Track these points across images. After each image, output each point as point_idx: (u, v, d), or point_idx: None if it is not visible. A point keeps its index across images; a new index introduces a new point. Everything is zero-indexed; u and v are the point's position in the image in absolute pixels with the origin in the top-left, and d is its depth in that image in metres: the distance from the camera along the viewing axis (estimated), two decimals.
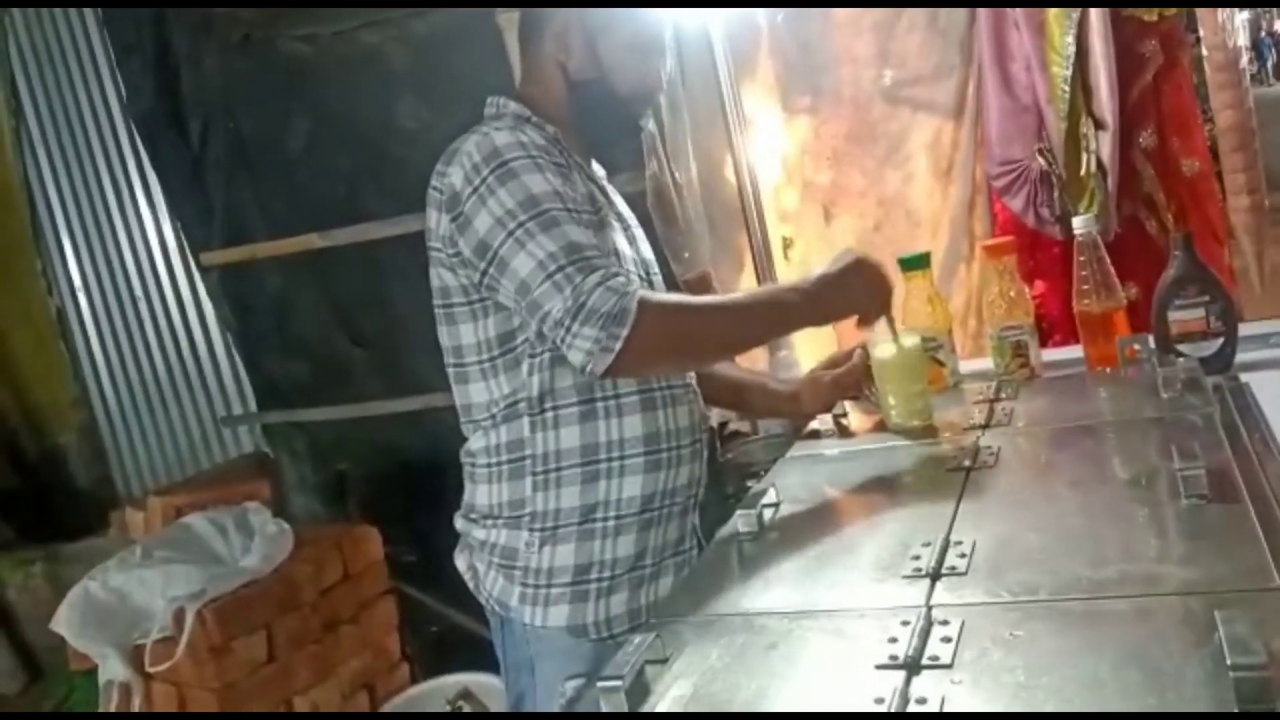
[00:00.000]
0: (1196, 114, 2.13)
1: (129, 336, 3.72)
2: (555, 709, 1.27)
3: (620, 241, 1.38)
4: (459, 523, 1.43)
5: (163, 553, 2.53)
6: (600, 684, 0.89)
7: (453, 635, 2.80)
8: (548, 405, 1.31)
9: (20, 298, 3.74)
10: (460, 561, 1.44)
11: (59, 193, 3.70)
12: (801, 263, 2.50)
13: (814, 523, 1.25)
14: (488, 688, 2.34)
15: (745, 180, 2.19)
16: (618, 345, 1.17)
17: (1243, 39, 1.91)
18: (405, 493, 2.94)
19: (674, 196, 2.39)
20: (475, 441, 1.38)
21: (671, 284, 2.33)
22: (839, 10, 2.38)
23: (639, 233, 1.51)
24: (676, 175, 2.40)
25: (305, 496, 3.31)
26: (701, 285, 2.39)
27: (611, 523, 1.33)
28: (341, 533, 2.86)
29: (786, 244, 2.48)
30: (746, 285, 2.41)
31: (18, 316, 3.75)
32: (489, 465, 1.35)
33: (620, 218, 1.46)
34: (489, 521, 1.36)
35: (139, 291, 3.66)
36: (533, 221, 1.21)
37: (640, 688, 0.91)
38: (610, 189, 1.50)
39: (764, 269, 2.21)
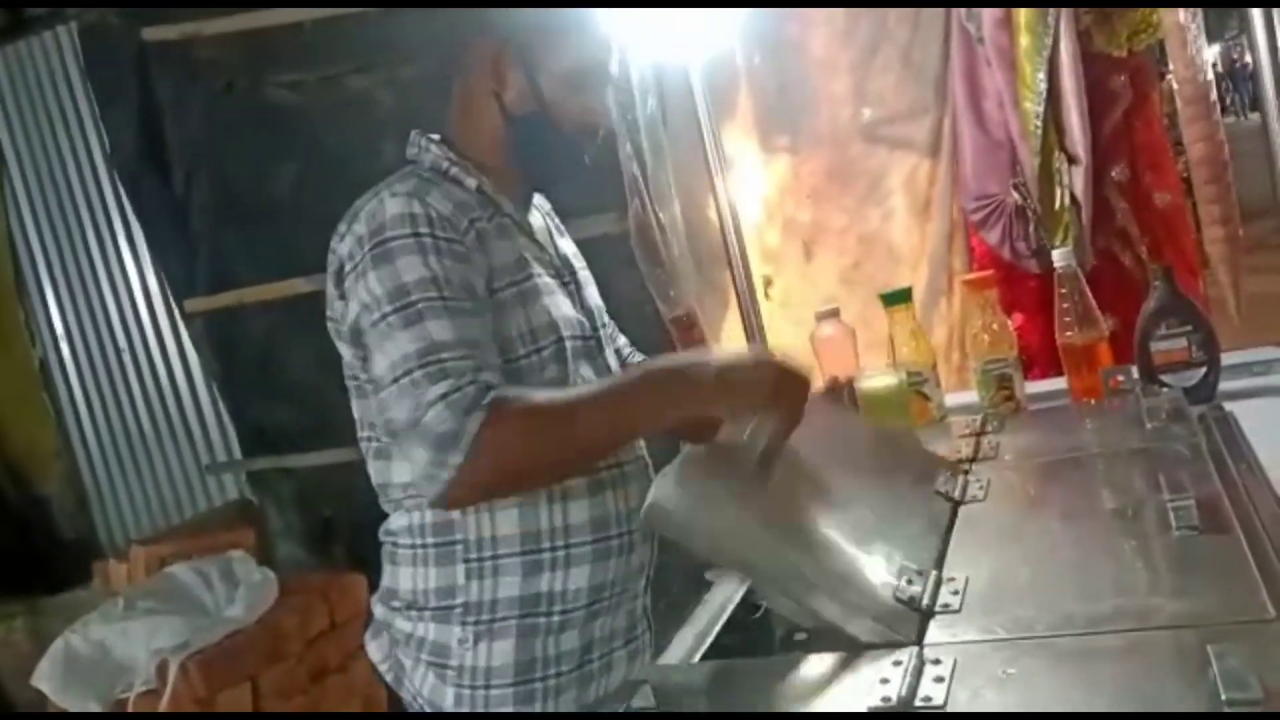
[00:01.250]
0: (1168, 147, 2.16)
1: (112, 386, 3.69)
2: None
3: (554, 303, 1.22)
4: (378, 609, 1.27)
5: (146, 604, 2.50)
6: None
7: None
8: None
9: (3, 348, 3.71)
10: (375, 651, 1.28)
11: (41, 242, 3.68)
12: (783, 301, 2.51)
13: None
14: None
15: (727, 219, 2.20)
16: (446, 475, 1.01)
17: (1212, 73, 1.94)
18: None
19: (658, 236, 2.40)
20: (396, 520, 1.22)
21: (657, 325, 2.34)
22: (816, 50, 2.42)
23: (586, 276, 1.38)
24: (660, 215, 2.42)
25: (291, 544, 3.28)
26: (687, 323, 2.40)
27: (556, 617, 1.18)
28: (328, 580, 2.83)
29: (767, 283, 2.49)
30: (732, 324, 2.42)
31: (0, 367, 3.72)
32: (412, 547, 1.20)
33: (561, 270, 1.30)
34: (413, 613, 1.20)
35: (122, 341, 3.64)
36: (395, 315, 1.07)
37: None
38: (556, 230, 1.39)
39: (748, 308, 2.22)
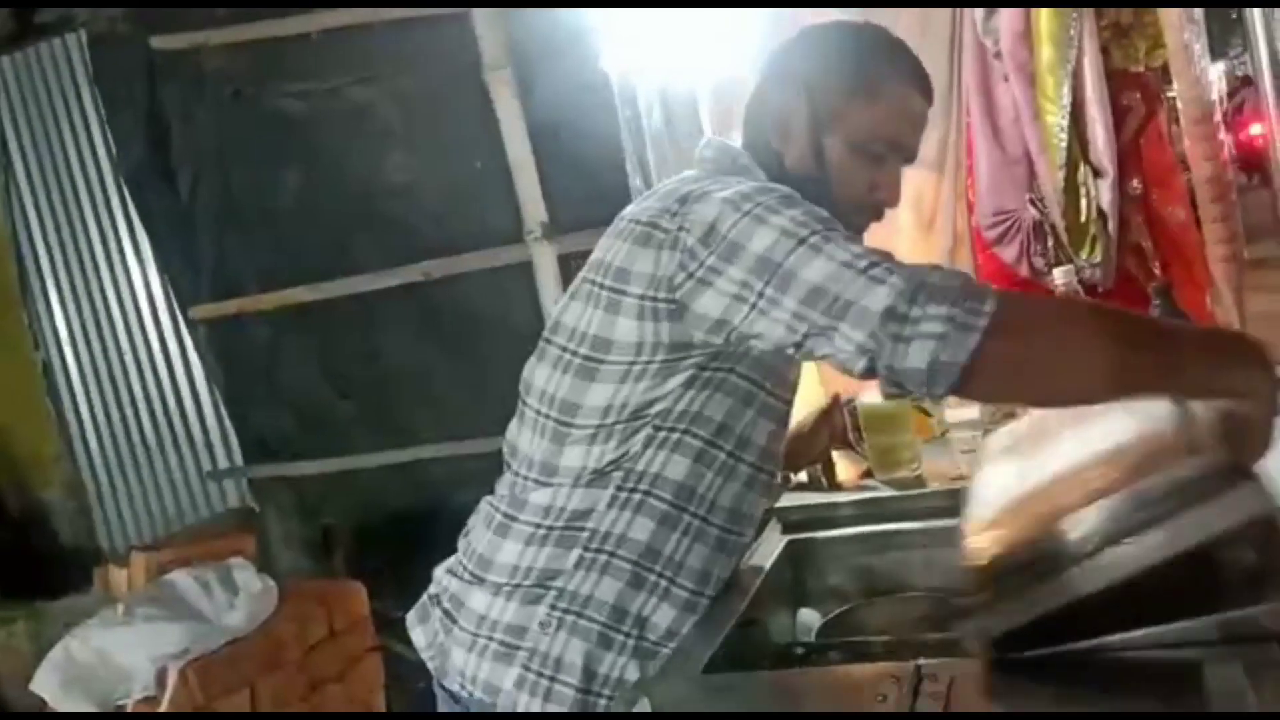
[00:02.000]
0: (1176, 165, 2.15)
1: (115, 390, 3.70)
2: None
3: None
4: (450, 581, 1.24)
5: (145, 610, 2.49)
6: None
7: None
8: (642, 486, 1.14)
9: (6, 351, 3.72)
10: (420, 635, 1.26)
11: (46, 246, 3.70)
12: None
13: None
14: None
15: None
16: (983, 322, 0.89)
17: (1217, 91, 1.94)
18: (392, 547, 2.91)
19: None
20: (536, 497, 1.18)
21: None
22: None
23: None
24: None
25: (291, 552, 3.28)
26: None
27: (631, 640, 1.15)
28: (327, 588, 2.83)
29: None
30: None
31: (3, 370, 3.73)
32: (537, 525, 1.17)
33: None
34: (504, 587, 1.17)
35: (125, 345, 3.65)
36: (828, 231, 1.00)
37: None
38: None
39: None
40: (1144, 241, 2.16)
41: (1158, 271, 2.14)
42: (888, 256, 0.97)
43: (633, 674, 1.15)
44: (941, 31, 2.27)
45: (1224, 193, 1.80)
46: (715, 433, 1.14)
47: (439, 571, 1.28)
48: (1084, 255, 2.12)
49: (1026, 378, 0.95)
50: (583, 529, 1.15)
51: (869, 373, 0.96)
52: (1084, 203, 2.13)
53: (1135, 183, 2.14)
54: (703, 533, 1.16)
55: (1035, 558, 0.90)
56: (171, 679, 2.30)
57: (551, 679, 1.15)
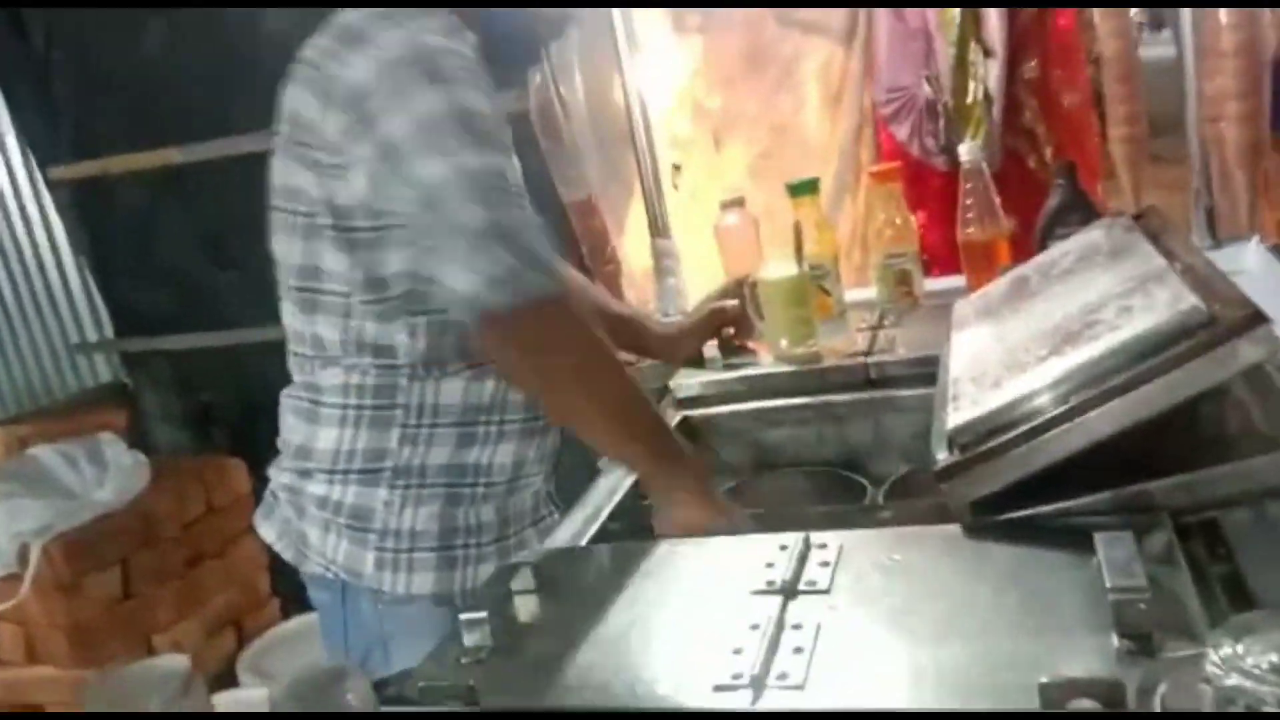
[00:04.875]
0: (1080, 49, 2.13)
1: None
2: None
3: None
4: (283, 476, 1.23)
5: (5, 486, 2.36)
6: (463, 616, 0.84)
7: None
8: (432, 357, 1.15)
9: None
10: (268, 530, 1.26)
11: None
12: (691, 192, 2.44)
13: None
14: None
15: (634, 103, 2.11)
16: (528, 286, 0.98)
17: None
18: (275, 425, 2.81)
19: (560, 115, 2.29)
20: (326, 377, 1.17)
21: (555, 207, 2.25)
22: None
23: None
24: (563, 93, 2.30)
25: (168, 428, 3.14)
26: (588, 208, 2.31)
27: (481, 489, 1.19)
28: (204, 465, 2.74)
29: (675, 170, 2.42)
30: (636, 213, 2.34)
31: None
32: (344, 407, 1.16)
33: None
34: (334, 475, 1.17)
35: None
36: (464, 133, 1.01)
37: (508, 619, 0.87)
38: None
39: (653, 196, 2.14)
40: (1037, 127, 2.15)
41: (1049, 158, 2.13)
42: (511, 187, 1.03)
43: (489, 515, 1.20)
44: None
45: (1129, 73, 1.78)
46: None
47: (272, 470, 1.27)
48: (968, 137, 2.10)
49: (545, 357, 1.05)
50: (393, 406, 1.15)
51: None
52: (972, 84, 2.10)
53: (1032, 64, 2.11)
54: None
55: (1017, 417, 0.87)
56: (34, 555, 2.20)
57: (410, 551, 1.17)
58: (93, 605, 2.31)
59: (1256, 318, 0.79)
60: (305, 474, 1.20)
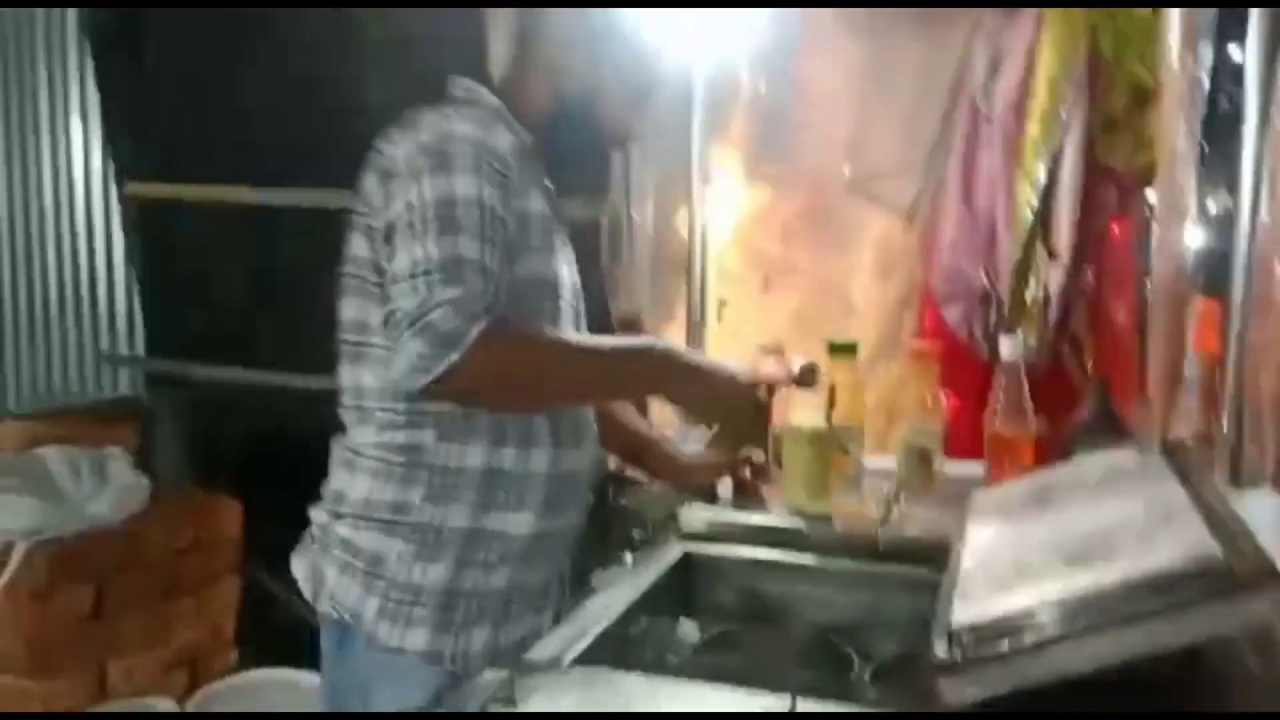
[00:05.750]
0: (1135, 273, 2.18)
1: (28, 249, 3.54)
2: None
3: (561, 264, 1.31)
4: (319, 515, 1.31)
5: (4, 480, 2.36)
6: None
7: (296, 629, 2.67)
8: (459, 413, 1.21)
9: None
10: (298, 567, 1.32)
11: None
12: (732, 330, 2.48)
13: None
14: (309, 686, 2.22)
15: (696, 234, 2.17)
16: (437, 369, 1.06)
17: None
18: (281, 473, 2.81)
19: (625, 233, 2.36)
20: (362, 434, 1.27)
21: (604, 317, 2.30)
22: (818, 88, 2.40)
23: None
24: (633, 212, 2.38)
25: (175, 455, 3.15)
26: (633, 325, 2.36)
27: (494, 555, 1.24)
28: (202, 500, 2.73)
29: (721, 305, 2.46)
30: (671, 337, 2.38)
31: None
32: (379, 460, 1.25)
33: (568, 238, 1.39)
34: (360, 520, 1.25)
35: (49, 206, 3.49)
36: (436, 221, 1.12)
37: None
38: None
39: (696, 326, 2.19)
40: (1083, 334, 2.18)
41: (1089, 367, 2.16)
42: (459, 267, 1.11)
43: (497, 584, 1.25)
44: (944, 84, 2.27)
45: (1178, 309, 1.81)
46: None
47: (312, 510, 1.34)
48: (1019, 333, 2.13)
49: (496, 400, 1.17)
50: (420, 465, 1.23)
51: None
52: (1033, 281, 2.15)
53: (1089, 274, 2.16)
54: (533, 436, 1.25)
55: (1023, 626, 0.86)
56: (16, 555, 2.18)
57: (412, 604, 1.22)
58: (59, 619, 2.27)
59: (1274, 575, 0.79)
60: (338, 516, 1.28)
